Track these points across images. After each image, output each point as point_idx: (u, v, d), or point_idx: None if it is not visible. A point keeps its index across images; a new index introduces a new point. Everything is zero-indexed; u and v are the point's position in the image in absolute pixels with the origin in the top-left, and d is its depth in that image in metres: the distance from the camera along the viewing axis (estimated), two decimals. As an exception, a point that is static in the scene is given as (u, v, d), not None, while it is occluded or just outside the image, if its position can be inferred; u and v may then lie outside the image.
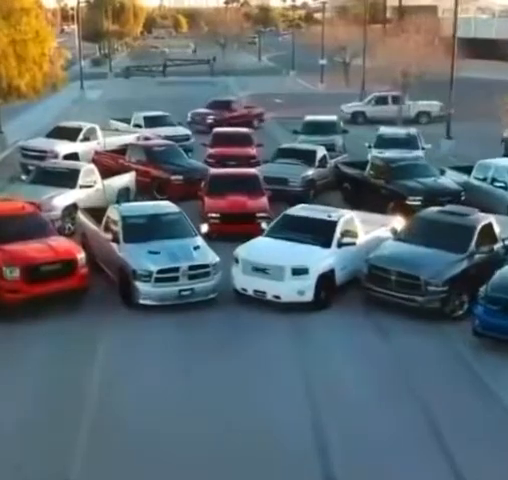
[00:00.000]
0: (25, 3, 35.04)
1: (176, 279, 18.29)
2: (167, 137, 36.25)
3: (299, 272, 18.15)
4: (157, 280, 18.16)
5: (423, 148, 33.04)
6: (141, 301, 18.27)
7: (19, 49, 34.47)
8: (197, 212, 26.51)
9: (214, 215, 24.30)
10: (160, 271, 18.17)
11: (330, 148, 35.06)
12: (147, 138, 36.20)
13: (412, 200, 25.66)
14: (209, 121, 43.08)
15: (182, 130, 39.38)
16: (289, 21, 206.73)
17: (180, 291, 18.27)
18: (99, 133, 34.56)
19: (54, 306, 17.95)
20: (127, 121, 40.10)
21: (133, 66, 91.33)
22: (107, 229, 19.96)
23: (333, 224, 19.42)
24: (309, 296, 18.29)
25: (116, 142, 34.91)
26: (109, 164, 31.60)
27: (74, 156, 32.66)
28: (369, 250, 19.56)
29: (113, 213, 20.04)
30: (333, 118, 39.29)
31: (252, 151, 33.31)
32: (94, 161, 32.02)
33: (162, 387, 14.97)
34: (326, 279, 18.57)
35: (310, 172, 29.81)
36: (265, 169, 29.37)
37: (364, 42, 59.25)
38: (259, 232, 23.37)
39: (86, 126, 34.35)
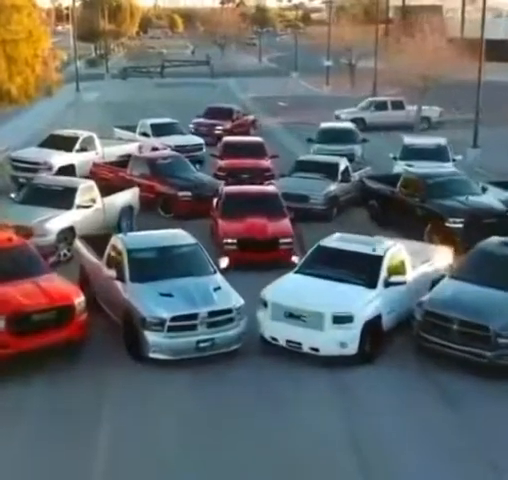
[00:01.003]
0: (16, 0, 31.93)
1: (193, 328, 15.23)
2: (178, 147, 33.43)
3: (342, 320, 15.11)
4: (170, 329, 15.09)
5: (454, 160, 30.05)
6: (151, 355, 15.21)
7: (9, 50, 31.25)
8: (207, 234, 23.66)
9: (230, 241, 21.26)
10: (174, 318, 15.11)
11: (349, 159, 32.17)
12: (155, 148, 33.21)
13: (453, 222, 22.61)
14: (217, 132, 39.41)
15: (194, 139, 36.36)
16: (286, 21, 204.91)
17: (198, 342, 15.20)
18: (97, 142, 31.51)
19: (47, 359, 14.91)
20: (132, 129, 36.96)
21: (130, 67, 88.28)
22: (110, 263, 16.90)
23: (378, 259, 16.35)
24: (353, 348, 15.25)
25: (116, 152, 31.88)
26: (109, 178, 28.63)
27: (70, 169, 29.69)
28: (418, 289, 16.57)
29: (117, 244, 16.97)
30: (351, 126, 36.31)
31: (266, 163, 30.26)
32: (92, 174, 29.12)
33: (176, 462, 12.03)
34: (372, 327, 15.53)
35: (333, 187, 26.84)
36: (283, 185, 26.42)
37: (375, 43, 56.35)
38: (281, 259, 20.70)
39: (83, 135, 31.28)
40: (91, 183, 23.52)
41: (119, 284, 16.16)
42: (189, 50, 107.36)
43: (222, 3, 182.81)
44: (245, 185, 28.29)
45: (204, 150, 35.59)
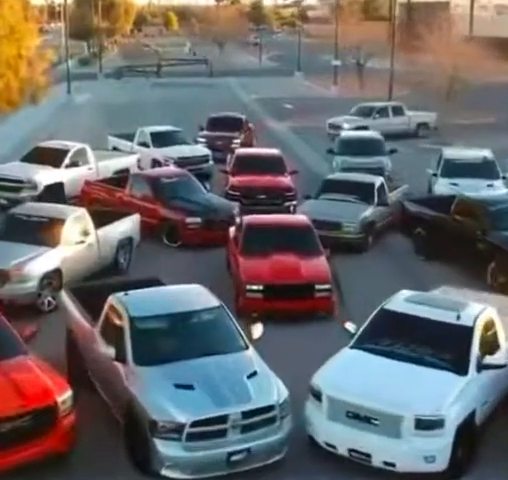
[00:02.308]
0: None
1: (222, 435, 11.03)
2: (182, 159, 29.51)
3: (428, 425, 10.94)
4: (191, 438, 10.90)
5: (504, 177, 25.93)
6: (164, 472, 11.01)
7: (-12, 49, 27.21)
8: (221, 269, 19.61)
9: (255, 288, 17.07)
10: (196, 423, 10.92)
11: (378, 173, 28.14)
12: (156, 161, 29.12)
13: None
14: (234, 145, 33.93)
15: (199, 150, 31.98)
16: (282, 19, 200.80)
17: (230, 455, 11.01)
18: (90, 155, 27.28)
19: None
20: (129, 137, 32.67)
21: (125, 66, 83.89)
22: (107, 335, 12.70)
23: (467, 332, 12.13)
24: (442, 463, 11.07)
25: (112, 167, 27.79)
26: (104, 199, 24.49)
27: (58, 187, 25.52)
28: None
29: (116, 308, 12.75)
30: (377, 135, 32.04)
31: (286, 181, 26.04)
32: (84, 194, 25.01)
33: None
34: (466, 429, 11.36)
35: (368, 212, 22.70)
36: (309, 209, 22.35)
37: (392, 41, 51.93)
38: (318, 310, 16.77)
39: (74, 147, 27.01)
40: (82, 212, 19.26)
41: (119, 366, 11.97)
42: (186, 48, 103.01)
43: (217, 0, 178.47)
44: (261, 204, 24.48)
45: (211, 162, 31.44)
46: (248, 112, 53.41)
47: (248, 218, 19.53)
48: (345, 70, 68.82)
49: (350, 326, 13.18)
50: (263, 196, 25.02)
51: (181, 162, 30.19)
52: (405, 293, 13.44)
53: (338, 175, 25.08)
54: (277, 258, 17.82)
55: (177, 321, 12.51)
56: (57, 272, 17.56)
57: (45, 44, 59.63)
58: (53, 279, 17.44)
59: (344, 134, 31.74)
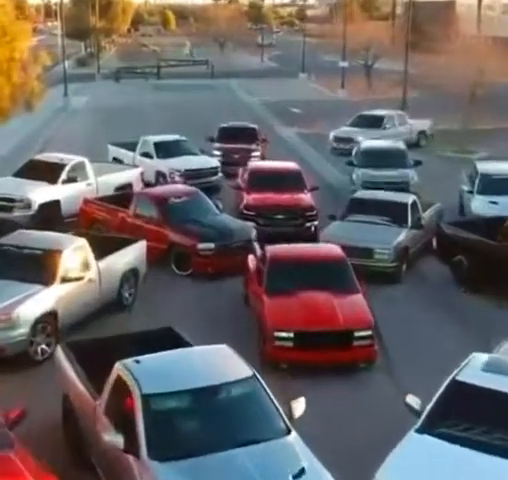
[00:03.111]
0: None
1: None
2: (189, 171, 27.47)
3: None
4: None
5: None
6: None
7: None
8: (239, 302, 17.37)
9: (284, 335, 14.56)
10: None
11: (403, 188, 25.80)
12: (161, 174, 26.74)
13: None
14: (253, 158, 30.90)
15: (208, 161, 29.39)
16: (280, 18, 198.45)
17: None
18: (89, 170, 24.76)
19: None
20: (131, 147, 30.16)
21: (123, 68, 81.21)
22: (113, 413, 10.19)
23: None
24: None
25: (113, 182, 25.33)
26: (105, 219, 21.99)
27: (54, 206, 23.06)
28: None
29: (125, 380, 10.23)
30: (401, 145, 29.52)
31: (307, 199, 23.48)
32: (83, 214, 22.53)
33: None
34: None
35: (402, 237, 20.19)
36: (336, 233, 19.89)
37: (406, 40, 48.95)
38: (358, 361, 14.48)
39: (71, 161, 24.47)
40: (83, 242, 16.70)
41: (131, 460, 9.46)
42: (186, 48, 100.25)
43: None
44: (279, 225, 22.05)
45: (220, 175, 28.96)
46: (253, 117, 51.07)
47: (272, 250, 16.93)
48: (352, 71, 66.22)
49: (413, 400, 10.64)
50: (282, 216, 22.54)
51: (188, 175, 27.89)
52: (479, 358, 10.90)
53: (366, 193, 22.45)
54: (308, 298, 15.33)
55: (203, 399, 9.97)
56: (52, 315, 15.06)
57: (40, 44, 57.18)
58: (48, 323, 14.95)
59: (365, 144, 29.20)
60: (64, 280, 15.58)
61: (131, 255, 18.06)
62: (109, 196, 23.59)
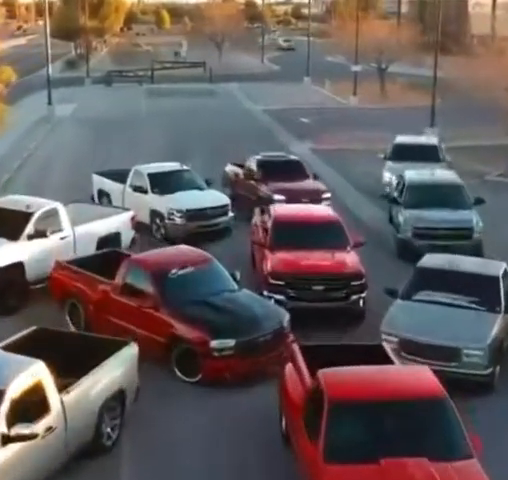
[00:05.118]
0: None
1: None
2: (193, 211, 22.30)
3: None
4: None
5: None
6: None
7: None
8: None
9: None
10: None
11: (465, 236, 20.39)
12: (157, 214, 21.42)
13: None
14: (325, 200, 24.31)
15: (215, 197, 23.62)
16: (276, 17, 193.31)
17: None
18: (64, 217, 18.93)
19: None
20: (120, 177, 24.46)
21: (115, 71, 75.24)
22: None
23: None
24: None
25: (96, 231, 19.54)
26: (81, 293, 16.30)
27: (15, 271, 17.33)
28: None
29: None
30: (455, 177, 23.75)
31: (353, 261, 17.51)
32: (54, 283, 16.90)
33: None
34: None
35: (497, 328, 14.43)
36: (404, 322, 14.24)
37: (436, 38, 42.74)
38: None
39: (40, 208, 18.56)
40: (35, 370, 10.85)
41: None
42: (183, 50, 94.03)
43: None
44: (316, 300, 16.55)
45: (231, 215, 23.27)
46: (259, 128, 45.47)
47: (331, 383, 10.95)
48: (361, 75, 60.20)
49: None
50: (320, 287, 16.74)
51: (191, 215, 22.29)
52: None
53: (437, 260, 16.16)
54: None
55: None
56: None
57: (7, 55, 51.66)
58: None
59: (412, 178, 23.37)
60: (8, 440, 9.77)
61: (117, 371, 12.25)
62: (89, 257, 17.80)
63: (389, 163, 27.99)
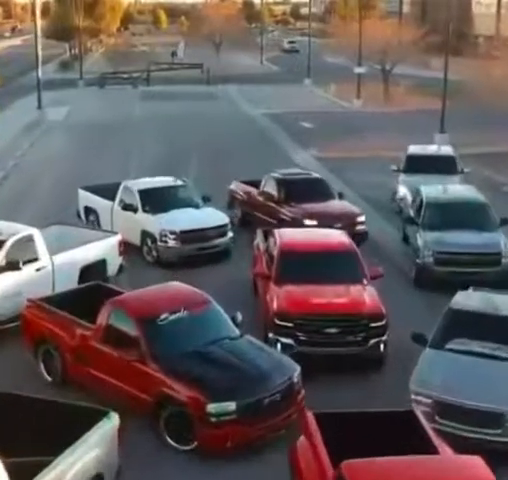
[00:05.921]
0: None
1: None
2: (189, 232, 20.21)
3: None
4: None
5: None
6: None
7: None
8: None
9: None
10: None
11: (493, 262, 18.22)
12: (148, 235, 19.35)
13: None
14: (360, 224, 21.99)
15: (214, 217, 21.32)
16: (274, 17, 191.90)
17: None
18: (40, 245, 16.60)
19: None
20: (108, 192, 22.18)
21: (109, 73, 72.94)
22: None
23: None
24: None
25: (77, 260, 17.23)
26: (57, 337, 14.02)
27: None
28: None
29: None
30: (479, 196, 21.38)
31: (371, 299, 15.11)
32: (26, 325, 14.65)
33: None
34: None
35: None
36: (438, 379, 12.06)
37: (447, 39, 40.43)
38: None
39: (13, 236, 16.20)
40: None
41: None
42: (180, 51, 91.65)
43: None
44: (329, 344, 14.39)
45: (230, 235, 21.01)
46: (260, 134, 43.22)
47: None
48: (365, 77, 57.92)
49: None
50: (334, 329, 14.44)
51: (187, 237, 20.10)
52: None
53: (476, 302, 13.77)
54: None
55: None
56: None
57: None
58: None
59: (430, 194, 21.06)
60: None
61: (93, 451, 9.97)
62: (68, 293, 15.49)
63: (403, 176, 25.64)
